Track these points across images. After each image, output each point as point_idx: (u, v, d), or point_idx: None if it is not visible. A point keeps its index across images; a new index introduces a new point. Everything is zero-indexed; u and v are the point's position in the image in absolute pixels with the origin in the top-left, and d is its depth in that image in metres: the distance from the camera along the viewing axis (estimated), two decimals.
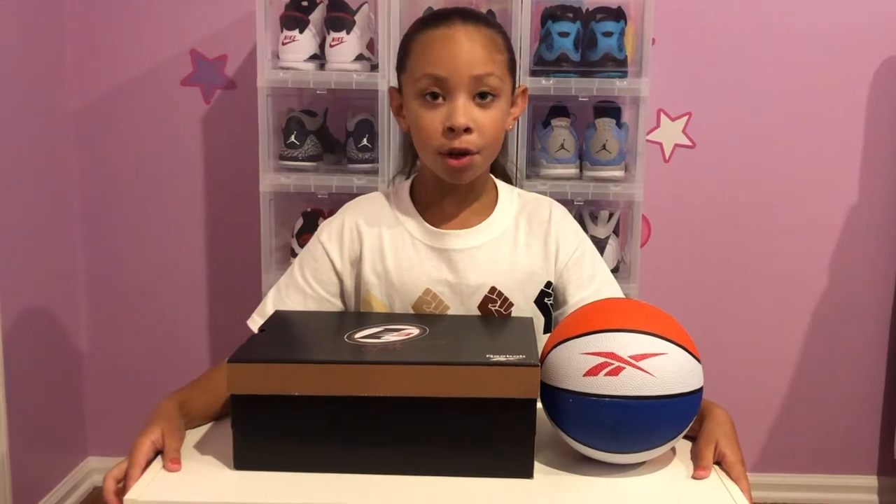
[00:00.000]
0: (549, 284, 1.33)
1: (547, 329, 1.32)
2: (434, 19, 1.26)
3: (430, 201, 1.33)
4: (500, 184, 1.38)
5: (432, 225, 1.31)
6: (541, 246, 1.33)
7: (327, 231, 1.34)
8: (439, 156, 1.24)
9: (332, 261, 1.32)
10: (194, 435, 1.11)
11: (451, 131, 1.21)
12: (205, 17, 2.42)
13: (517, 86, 1.32)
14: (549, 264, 1.33)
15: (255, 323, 1.32)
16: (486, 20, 1.28)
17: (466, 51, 1.21)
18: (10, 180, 2.18)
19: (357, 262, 1.32)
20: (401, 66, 1.30)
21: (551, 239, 1.33)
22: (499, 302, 1.29)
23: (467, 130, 1.21)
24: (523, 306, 1.30)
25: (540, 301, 1.32)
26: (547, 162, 2.13)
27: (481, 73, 1.21)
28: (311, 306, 1.31)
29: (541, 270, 1.32)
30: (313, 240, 1.35)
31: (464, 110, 1.21)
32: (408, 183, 1.37)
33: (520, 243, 1.32)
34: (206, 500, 0.96)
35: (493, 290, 1.29)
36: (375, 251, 1.31)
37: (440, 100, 1.22)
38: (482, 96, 1.23)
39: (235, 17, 2.40)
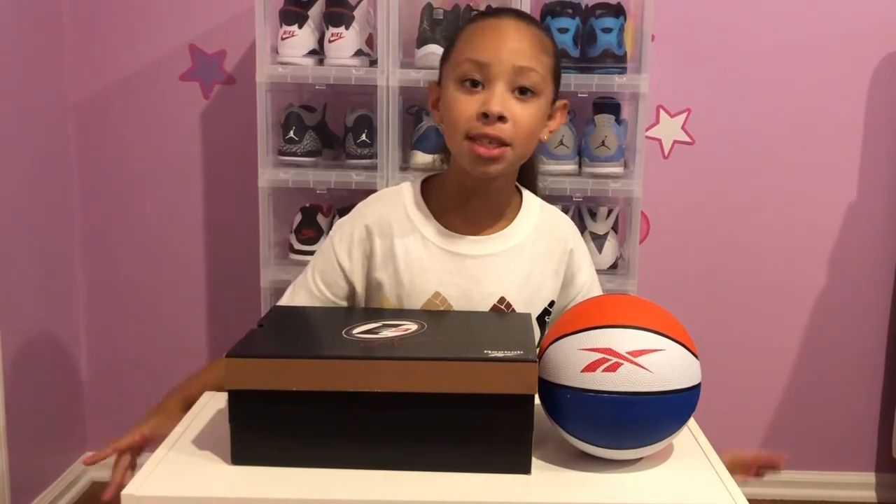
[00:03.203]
0: (552, 303, 1.33)
1: None
2: (486, 13, 1.26)
3: (450, 203, 1.30)
4: (526, 193, 1.36)
5: (448, 228, 1.29)
6: (554, 264, 1.32)
7: (339, 234, 1.32)
8: (467, 140, 1.20)
9: (340, 264, 1.30)
10: (191, 430, 1.11)
11: (485, 117, 1.18)
12: (204, 12, 2.42)
13: (557, 98, 1.29)
14: (558, 284, 1.33)
15: None
16: (538, 24, 1.27)
17: (513, 41, 1.20)
18: (9, 174, 2.18)
19: (369, 263, 1.30)
20: (445, 57, 1.27)
21: (566, 263, 1.32)
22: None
23: (501, 119, 1.18)
24: None
25: (541, 318, 1.32)
26: (546, 158, 2.13)
27: (524, 66, 1.19)
28: None
29: (549, 288, 1.32)
30: (327, 240, 1.34)
31: (501, 98, 1.19)
32: (419, 182, 1.34)
33: (536, 259, 1.31)
34: (204, 494, 0.95)
35: (502, 300, 1.28)
36: (387, 253, 1.29)
37: (479, 88, 1.20)
38: (522, 91, 1.20)
39: (234, 11, 2.40)
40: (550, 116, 1.28)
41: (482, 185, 1.27)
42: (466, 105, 1.20)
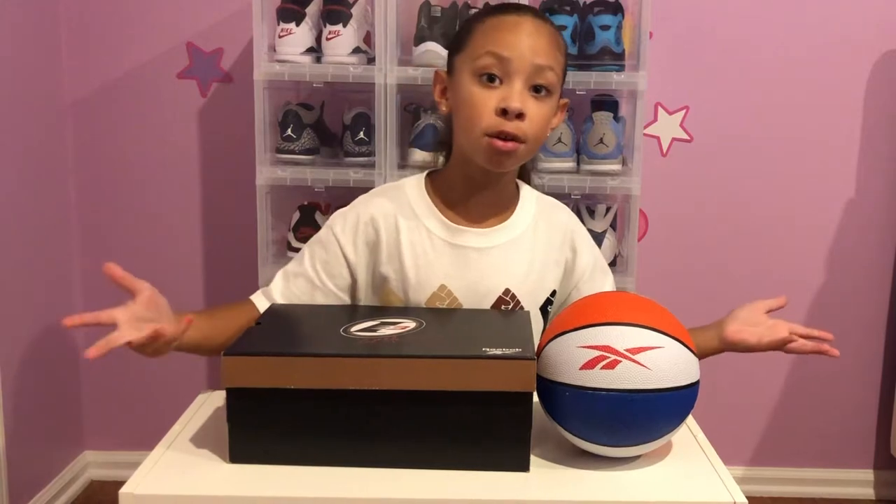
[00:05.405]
0: (553, 293, 1.33)
1: None
2: (506, 8, 1.26)
3: (453, 197, 1.31)
4: (523, 185, 1.37)
5: (451, 221, 1.29)
6: (556, 253, 1.32)
7: (341, 223, 1.31)
8: (486, 137, 1.21)
9: (345, 255, 1.29)
10: (189, 429, 1.11)
11: (505, 113, 1.19)
12: (201, 10, 2.41)
13: (561, 97, 1.31)
14: (559, 273, 1.33)
15: (259, 299, 1.30)
16: (553, 23, 1.28)
17: (533, 38, 1.21)
18: (7, 173, 2.17)
19: (374, 255, 1.29)
20: (458, 47, 1.27)
21: (567, 249, 1.33)
22: (511, 304, 1.28)
23: (520, 116, 1.20)
24: (531, 311, 1.29)
25: (544, 308, 1.32)
26: (544, 155, 2.13)
27: (543, 64, 1.21)
28: (319, 298, 1.29)
29: (551, 277, 1.32)
30: (326, 231, 1.32)
31: (520, 95, 1.20)
32: (423, 176, 1.34)
33: (537, 248, 1.31)
34: (202, 493, 0.95)
35: (506, 291, 1.28)
36: (392, 245, 1.29)
37: (497, 83, 1.21)
38: (537, 90, 1.22)
39: (232, 9, 2.40)
40: (553, 114, 1.29)
41: (490, 179, 1.28)
42: (485, 100, 1.21)
